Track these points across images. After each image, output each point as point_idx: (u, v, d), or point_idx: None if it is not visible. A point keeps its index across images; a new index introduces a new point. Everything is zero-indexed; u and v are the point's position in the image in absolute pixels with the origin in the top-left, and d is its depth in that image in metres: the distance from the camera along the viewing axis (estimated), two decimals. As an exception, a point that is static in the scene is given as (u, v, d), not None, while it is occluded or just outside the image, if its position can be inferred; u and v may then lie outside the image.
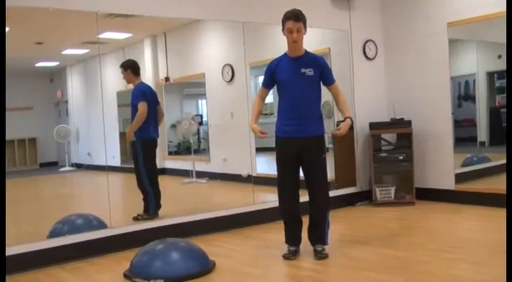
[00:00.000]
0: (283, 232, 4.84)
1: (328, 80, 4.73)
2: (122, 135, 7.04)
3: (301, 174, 4.76)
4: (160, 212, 6.01)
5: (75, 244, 5.04)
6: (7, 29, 6.00)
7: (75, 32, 6.64)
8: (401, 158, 6.94)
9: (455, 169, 6.88)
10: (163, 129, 7.62)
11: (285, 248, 4.78)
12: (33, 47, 7.06)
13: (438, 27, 6.84)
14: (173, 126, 8.07)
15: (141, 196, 6.06)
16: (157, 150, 6.35)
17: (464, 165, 7.30)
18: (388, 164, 7.00)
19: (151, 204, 6.03)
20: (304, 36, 4.64)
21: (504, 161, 5.99)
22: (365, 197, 7.25)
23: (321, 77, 4.67)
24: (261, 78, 4.89)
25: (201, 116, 8.38)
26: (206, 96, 8.12)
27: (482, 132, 7.40)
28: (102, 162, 6.07)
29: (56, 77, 8.42)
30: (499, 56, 6.97)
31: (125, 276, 4.36)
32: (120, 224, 5.44)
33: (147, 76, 6.34)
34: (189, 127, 7.73)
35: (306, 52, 4.71)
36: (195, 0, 5.95)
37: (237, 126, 7.22)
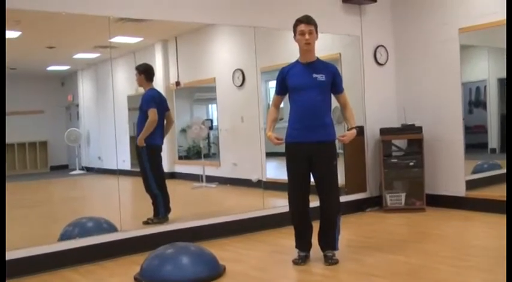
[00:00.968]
0: (294, 237, 4.83)
1: (338, 89, 4.74)
2: (132, 139, 7.06)
3: (312, 179, 4.75)
4: (171, 216, 6.01)
5: (85, 247, 5.05)
6: (19, 33, 6.07)
7: (86, 36, 6.68)
8: (411, 164, 6.92)
9: (465, 176, 6.85)
10: (174, 133, 7.63)
11: (295, 253, 4.77)
12: (44, 51, 7.10)
13: (450, 33, 6.83)
14: (183, 130, 8.08)
15: (151, 200, 6.07)
16: (168, 154, 6.37)
17: (474, 172, 7.26)
18: (399, 170, 6.98)
19: (161, 208, 6.03)
20: (316, 41, 4.65)
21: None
22: (375, 203, 7.23)
23: (332, 84, 4.67)
24: (272, 84, 4.91)
25: (211, 121, 8.39)
26: (216, 100, 8.13)
27: (493, 139, 7.37)
28: (112, 166, 6.10)
29: (67, 81, 8.46)
30: (511, 63, 6.95)
31: (135, 280, 4.36)
32: (130, 228, 5.46)
33: (157, 80, 6.36)
34: (199, 131, 7.74)
35: (318, 59, 4.72)
36: (206, 4, 5.97)
37: (247, 131, 7.23)
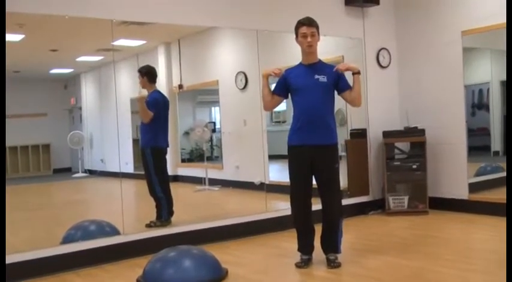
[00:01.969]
0: (296, 240, 4.83)
1: (346, 85, 4.69)
2: (135, 142, 7.07)
3: (314, 182, 4.75)
4: (173, 219, 6.02)
5: (88, 250, 5.05)
6: (22, 36, 6.09)
7: (89, 39, 6.69)
8: (414, 166, 6.91)
9: (468, 178, 6.83)
10: (176, 136, 7.65)
11: (297, 257, 4.77)
12: (47, 54, 7.13)
13: (452, 36, 6.82)
14: (186, 133, 8.09)
15: (154, 203, 6.07)
16: (171, 157, 6.37)
17: (477, 174, 7.25)
18: (402, 173, 6.97)
19: (164, 211, 6.03)
20: (318, 44, 4.65)
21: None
22: (378, 206, 7.22)
23: (337, 85, 4.66)
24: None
25: (214, 123, 8.40)
26: (219, 103, 8.14)
27: (496, 141, 7.36)
28: (115, 169, 6.10)
29: (70, 84, 8.48)
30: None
31: (138, 283, 4.37)
32: (133, 231, 5.45)
33: (160, 83, 6.37)
34: (202, 134, 7.75)
35: (320, 60, 4.72)
36: (209, 7, 5.97)
37: (250, 134, 7.23)
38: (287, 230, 5.78)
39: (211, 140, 8.21)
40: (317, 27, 4.62)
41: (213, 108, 8.76)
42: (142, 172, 6.18)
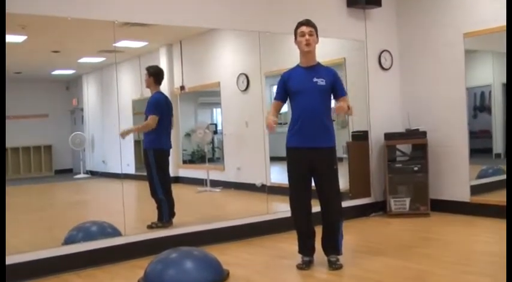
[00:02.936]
0: (297, 242, 4.83)
1: (340, 93, 4.70)
2: (137, 143, 7.07)
3: (314, 184, 4.75)
4: (175, 220, 6.01)
5: (89, 251, 5.05)
6: (24, 37, 6.10)
7: (91, 40, 6.70)
8: (416, 168, 6.91)
9: (470, 181, 6.83)
10: (178, 137, 7.65)
11: (298, 258, 4.77)
12: (49, 55, 7.13)
13: (454, 38, 6.82)
14: (188, 134, 8.09)
15: (155, 204, 6.07)
16: (172, 158, 6.37)
17: (479, 177, 7.24)
18: (403, 175, 6.97)
19: (165, 212, 6.03)
20: (319, 46, 4.66)
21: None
22: (379, 208, 7.22)
23: (332, 89, 4.67)
24: (276, 88, 4.87)
25: (216, 125, 8.41)
26: (221, 105, 8.14)
27: (498, 144, 7.35)
28: (116, 170, 6.10)
29: (71, 85, 8.49)
30: (516, 67, 6.94)
31: (139, 284, 4.37)
32: (134, 232, 5.45)
33: (162, 84, 6.37)
34: (203, 136, 7.75)
35: (319, 63, 4.73)
36: (211, 9, 5.98)
37: (251, 136, 7.24)
38: (288, 231, 5.76)
39: (212, 141, 8.21)
40: (315, 28, 4.63)
41: (214, 110, 8.77)
42: (144, 173, 6.18)
